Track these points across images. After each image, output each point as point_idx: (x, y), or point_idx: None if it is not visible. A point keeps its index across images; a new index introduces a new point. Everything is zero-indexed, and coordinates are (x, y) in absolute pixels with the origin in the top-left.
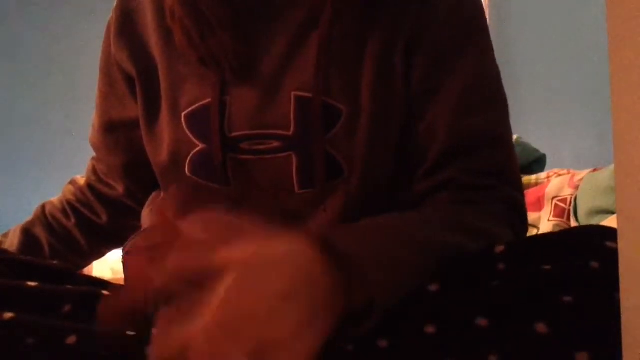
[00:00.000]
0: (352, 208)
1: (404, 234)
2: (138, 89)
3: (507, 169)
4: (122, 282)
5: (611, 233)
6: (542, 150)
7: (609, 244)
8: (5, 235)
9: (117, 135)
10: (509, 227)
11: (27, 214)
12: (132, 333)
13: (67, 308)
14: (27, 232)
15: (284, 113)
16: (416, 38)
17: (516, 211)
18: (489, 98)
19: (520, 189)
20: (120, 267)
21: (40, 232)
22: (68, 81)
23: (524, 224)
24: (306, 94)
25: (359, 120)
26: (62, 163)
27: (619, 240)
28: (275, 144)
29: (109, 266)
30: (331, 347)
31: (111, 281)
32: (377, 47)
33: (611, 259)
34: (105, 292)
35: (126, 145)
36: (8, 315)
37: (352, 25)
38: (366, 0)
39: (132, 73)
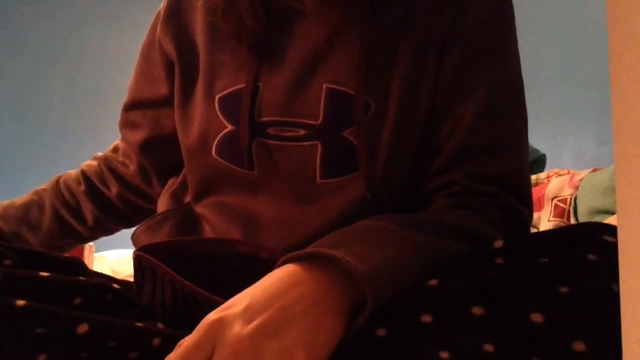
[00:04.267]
0: (371, 201)
1: (395, 235)
2: (177, 70)
3: (515, 180)
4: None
5: (609, 228)
6: (542, 150)
7: (606, 237)
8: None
9: (143, 112)
10: (507, 235)
11: None
12: (141, 324)
13: (78, 300)
14: (36, 192)
15: (314, 103)
16: (449, 42)
17: (516, 222)
18: (511, 108)
19: (526, 202)
20: (120, 267)
21: (48, 196)
22: (68, 81)
23: (525, 233)
24: (337, 87)
25: (385, 117)
26: (61, 164)
27: (619, 241)
28: (302, 132)
29: (108, 266)
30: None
31: None
32: (411, 48)
33: (608, 251)
34: (116, 286)
35: (149, 123)
36: (21, 302)
37: (388, 25)
38: (403, 2)
39: (172, 55)
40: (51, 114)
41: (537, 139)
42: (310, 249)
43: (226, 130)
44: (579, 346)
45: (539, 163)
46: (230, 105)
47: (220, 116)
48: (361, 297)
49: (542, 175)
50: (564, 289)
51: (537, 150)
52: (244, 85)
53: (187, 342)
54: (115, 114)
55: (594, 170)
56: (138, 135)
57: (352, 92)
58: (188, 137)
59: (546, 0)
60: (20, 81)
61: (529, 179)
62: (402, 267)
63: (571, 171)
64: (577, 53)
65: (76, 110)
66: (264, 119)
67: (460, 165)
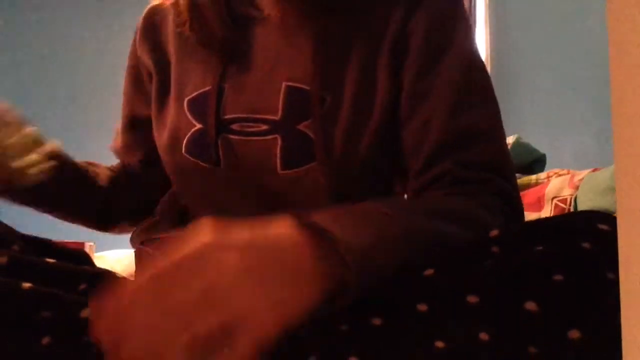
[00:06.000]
0: (335, 193)
1: (388, 218)
2: (154, 80)
3: (500, 162)
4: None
5: (603, 217)
6: (542, 150)
7: (600, 226)
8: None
9: (140, 131)
10: (504, 218)
11: (26, 215)
12: None
13: (83, 286)
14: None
15: (274, 100)
16: (404, 41)
17: (510, 204)
18: (480, 94)
19: (513, 183)
20: (120, 267)
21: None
22: (68, 82)
23: (518, 214)
24: (296, 84)
25: (340, 109)
26: None
27: (619, 240)
28: (264, 127)
29: (109, 266)
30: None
31: None
32: (364, 44)
33: (602, 239)
34: (120, 275)
35: (145, 142)
36: (26, 285)
37: (341, 23)
38: (354, 6)
39: (151, 67)
40: (52, 114)
41: (537, 139)
42: (308, 219)
43: (195, 128)
44: (574, 334)
45: (539, 163)
46: (198, 106)
47: (189, 116)
48: (346, 275)
49: (542, 175)
50: (558, 277)
51: (537, 150)
52: (210, 87)
53: (174, 254)
54: (116, 113)
55: (594, 170)
56: (135, 158)
57: (308, 88)
58: (162, 138)
59: (546, 1)
60: (21, 81)
61: (511, 158)
62: (391, 243)
63: (571, 171)
64: (577, 53)
65: (77, 110)
66: (229, 116)
67: (447, 156)
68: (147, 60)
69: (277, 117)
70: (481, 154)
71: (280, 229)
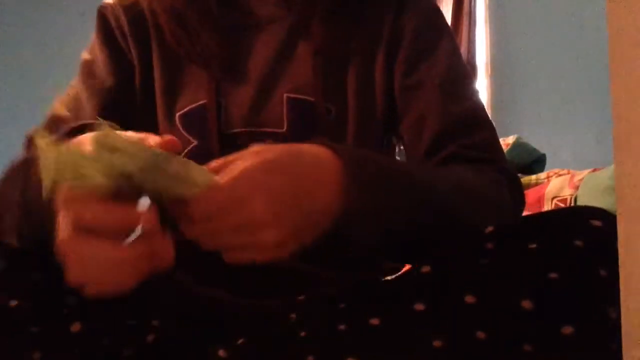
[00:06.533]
0: None
1: (404, 173)
2: (137, 80)
3: (495, 146)
4: None
5: (596, 212)
6: (542, 150)
7: (593, 222)
8: None
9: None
10: (509, 195)
11: None
12: (135, 322)
13: (72, 299)
14: None
15: (277, 113)
16: (395, 45)
17: (513, 182)
18: (468, 88)
19: (509, 164)
20: None
21: None
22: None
23: (522, 194)
24: (297, 95)
25: (347, 118)
26: None
27: (619, 240)
28: (269, 141)
29: None
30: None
31: None
32: (359, 55)
33: (594, 236)
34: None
35: None
36: (14, 303)
37: (338, 32)
38: (348, 12)
39: (135, 61)
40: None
41: (537, 139)
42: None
43: (192, 145)
44: (567, 330)
45: (539, 163)
46: (193, 122)
47: (184, 133)
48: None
49: (542, 175)
50: (552, 275)
51: (537, 150)
52: (205, 101)
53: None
54: None
55: (594, 171)
56: None
57: (312, 99)
58: None
59: (547, 1)
60: (20, 80)
61: (501, 144)
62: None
63: (571, 171)
64: (577, 53)
65: None
66: (232, 130)
67: (450, 141)
68: (135, 54)
69: (283, 130)
70: (478, 139)
71: (314, 157)
